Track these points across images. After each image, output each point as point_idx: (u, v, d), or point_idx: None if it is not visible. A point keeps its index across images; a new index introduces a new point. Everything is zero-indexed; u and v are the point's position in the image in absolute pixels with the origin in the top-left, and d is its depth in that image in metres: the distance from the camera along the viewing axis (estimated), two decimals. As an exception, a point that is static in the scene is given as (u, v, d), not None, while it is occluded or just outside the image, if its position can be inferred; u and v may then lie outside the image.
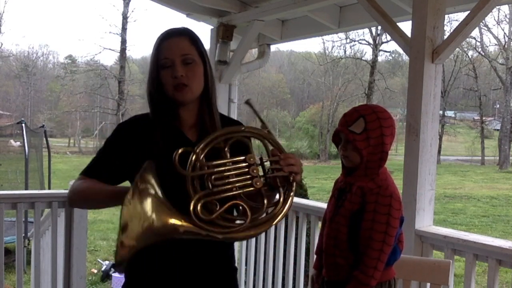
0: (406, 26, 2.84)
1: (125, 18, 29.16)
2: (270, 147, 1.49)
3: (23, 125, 8.14)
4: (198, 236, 1.37)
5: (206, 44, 4.35)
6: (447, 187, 16.95)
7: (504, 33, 29.22)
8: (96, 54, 41.80)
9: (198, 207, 1.36)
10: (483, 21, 25.06)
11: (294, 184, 1.46)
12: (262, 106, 36.63)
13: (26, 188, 7.37)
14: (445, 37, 2.63)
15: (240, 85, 4.76)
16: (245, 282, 3.76)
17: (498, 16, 28.39)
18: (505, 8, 27.39)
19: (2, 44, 33.82)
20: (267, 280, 3.54)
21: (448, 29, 15.98)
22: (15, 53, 38.36)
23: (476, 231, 9.83)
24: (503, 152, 26.56)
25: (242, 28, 4.06)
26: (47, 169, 9.12)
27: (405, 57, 27.02)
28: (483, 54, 29.81)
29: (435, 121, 2.67)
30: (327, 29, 3.88)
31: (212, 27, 4.25)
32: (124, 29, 29.17)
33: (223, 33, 4.05)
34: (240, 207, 1.41)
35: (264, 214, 1.43)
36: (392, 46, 31.49)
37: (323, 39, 31.67)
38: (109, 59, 71.05)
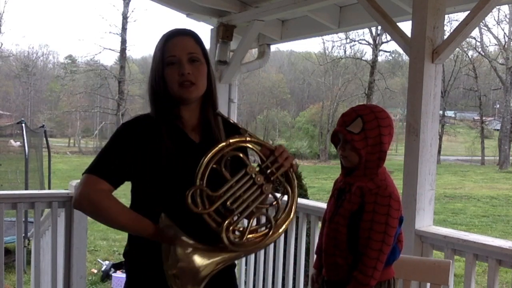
0: (406, 26, 2.84)
1: (125, 18, 29.16)
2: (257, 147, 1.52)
3: (23, 125, 8.14)
4: (237, 259, 1.49)
5: (206, 44, 4.36)
6: (447, 187, 16.95)
7: (504, 33, 29.25)
8: (96, 54, 41.87)
9: (231, 237, 1.40)
10: (483, 21, 25.06)
11: (294, 173, 1.53)
12: (262, 106, 36.67)
13: (26, 188, 7.36)
14: (445, 37, 2.63)
15: (240, 85, 4.77)
16: (245, 282, 3.76)
17: (498, 16, 28.43)
18: (505, 8, 27.42)
19: (2, 44, 33.84)
20: (267, 280, 3.54)
21: (448, 29, 16.00)
22: (15, 53, 38.40)
23: (476, 231, 9.83)
24: (503, 152, 26.56)
25: (242, 28, 4.06)
26: (47, 169, 9.11)
27: (405, 57, 27.03)
28: (483, 54, 29.80)
29: (435, 121, 2.67)
30: (327, 29, 3.89)
31: (212, 27, 4.25)
32: (124, 29, 29.17)
33: (223, 33, 4.05)
34: (261, 217, 1.47)
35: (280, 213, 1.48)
36: (392, 46, 31.53)
37: (323, 39, 31.71)
38: (109, 59, 71.09)
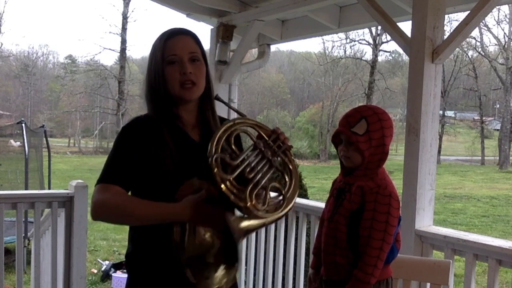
0: (406, 26, 2.85)
1: (125, 18, 29.19)
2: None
3: (23, 125, 8.13)
4: (261, 228, 1.51)
5: (206, 44, 4.36)
6: (447, 187, 16.96)
7: (504, 33, 29.26)
8: (96, 54, 41.94)
9: (255, 203, 1.42)
10: (483, 21, 25.06)
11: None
12: (262, 106, 36.66)
13: (26, 188, 7.36)
14: (445, 37, 2.63)
15: (240, 85, 4.76)
16: (245, 282, 3.76)
17: (498, 16, 28.44)
18: (505, 8, 27.43)
19: (2, 44, 33.86)
20: (267, 280, 3.54)
21: (448, 29, 16.01)
22: (15, 53, 38.42)
23: (476, 231, 9.83)
24: (503, 152, 26.56)
25: (242, 28, 4.06)
26: (47, 169, 9.11)
27: (405, 57, 27.03)
28: (483, 54, 29.80)
29: (435, 121, 2.67)
30: (327, 29, 3.89)
31: (212, 27, 4.25)
32: (124, 29, 29.20)
33: (223, 33, 4.05)
34: (275, 188, 1.49)
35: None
36: (392, 46, 31.52)
37: (323, 39, 31.70)
38: (109, 59, 71.18)
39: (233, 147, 1.46)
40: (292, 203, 1.50)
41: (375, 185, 1.82)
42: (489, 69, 31.09)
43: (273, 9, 3.67)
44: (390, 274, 1.90)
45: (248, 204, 1.40)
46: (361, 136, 1.82)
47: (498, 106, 35.97)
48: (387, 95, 31.36)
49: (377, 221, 1.77)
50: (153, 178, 1.56)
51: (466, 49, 29.41)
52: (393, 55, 34.61)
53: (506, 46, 28.42)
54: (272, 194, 1.49)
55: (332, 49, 36.31)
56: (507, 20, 28.92)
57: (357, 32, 30.28)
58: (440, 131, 26.84)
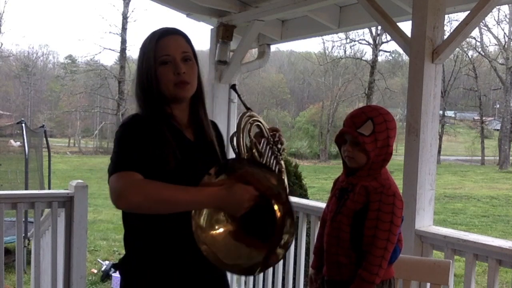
0: (406, 26, 2.84)
1: (125, 18, 29.19)
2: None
3: (23, 125, 8.13)
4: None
5: (206, 44, 4.36)
6: (447, 187, 16.95)
7: (504, 33, 29.27)
8: (96, 54, 41.96)
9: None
10: (483, 21, 25.06)
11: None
12: (262, 106, 36.64)
13: (26, 188, 7.36)
14: (445, 37, 2.63)
15: (240, 85, 4.76)
16: (245, 282, 3.76)
17: (498, 16, 28.44)
18: (505, 8, 27.43)
19: (2, 44, 33.86)
20: (267, 280, 3.54)
21: (448, 29, 16.01)
22: (15, 53, 38.45)
23: (476, 231, 9.82)
24: (503, 152, 26.56)
25: (242, 28, 4.06)
26: (47, 169, 9.10)
27: (405, 57, 27.03)
28: (483, 54, 29.81)
29: (435, 121, 2.67)
30: (327, 29, 3.88)
31: (212, 27, 4.25)
32: (124, 29, 29.20)
33: (223, 33, 4.04)
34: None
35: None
36: (392, 46, 31.53)
37: (323, 39, 31.71)
38: (109, 59, 71.11)
39: (250, 134, 1.64)
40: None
41: (379, 185, 1.82)
42: (489, 69, 31.10)
43: (273, 9, 3.67)
44: (392, 274, 1.90)
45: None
46: (367, 137, 1.82)
47: (498, 106, 35.98)
48: (387, 95, 31.37)
49: (381, 221, 1.77)
50: (156, 177, 1.50)
51: (466, 49, 29.42)
52: (393, 55, 34.66)
53: (506, 46, 28.42)
54: None
55: (332, 49, 36.37)
56: (507, 20, 28.95)
57: (357, 32, 30.33)
58: (440, 131, 26.84)
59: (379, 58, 31.77)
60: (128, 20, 29.37)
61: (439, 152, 26.67)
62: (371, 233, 1.78)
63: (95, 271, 6.53)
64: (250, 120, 1.68)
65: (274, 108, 37.71)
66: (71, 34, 66.35)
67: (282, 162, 1.70)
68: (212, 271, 1.64)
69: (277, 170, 1.66)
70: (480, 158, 30.42)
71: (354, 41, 31.04)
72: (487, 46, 30.40)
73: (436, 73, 2.64)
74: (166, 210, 1.49)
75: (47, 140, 9.47)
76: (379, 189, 1.81)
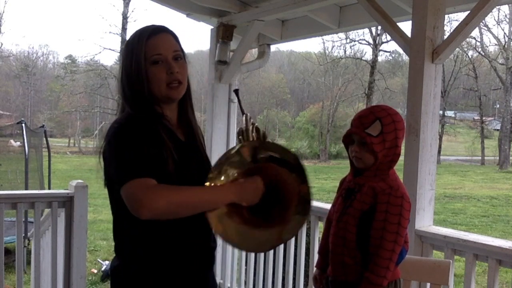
0: (406, 26, 2.84)
1: (125, 18, 29.16)
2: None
3: (23, 125, 8.12)
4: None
5: (206, 44, 4.37)
6: (447, 187, 16.95)
7: (504, 33, 29.24)
8: (96, 54, 41.81)
9: None
10: (483, 21, 25.06)
11: None
12: (262, 106, 36.65)
13: (26, 188, 7.35)
14: (445, 37, 2.63)
15: (240, 85, 4.76)
16: (245, 282, 3.76)
17: (498, 16, 28.41)
18: (505, 8, 27.41)
19: (2, 44, 33.85)
20: (267, 280, 3.54)
21: (448, 29, 15.99)
22: (15, 53, 38.43)
23: (476, 231, 9.82)
24: (503, 152, 26.55)
25: (242, 28, 4.06)
26: (47, 169, 9.10)
27: (405, 57, 27.02)
28: (483, 54, 29.79)
29: (435, 121, 2.67)
30: (327, 29, 3.88)
31: (212, 27, 4.25)
32: (124, 29, 29.15)
33: (223, 33, 4.04)
34: None
35: None
36: (392, 46, 31.50)
37: (323, 39, 31.65)
38: (109, 59, 70.94)
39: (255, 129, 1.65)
40: None
41: (387, 186, 1.81)
42: (489, 69, 31.07)
43: (273, 9, 3.67)
44: (398, 276, 1.89)
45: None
46: (375, 138, 1.80)
47: (498, 106, 35.97)
48: (387, 95, 31.33)
49: (389, 223, 1.76)
50: (157, 179, 1.45)
51: (466, 49, 29.40)
52: (393, 55, 34.63)
53: (506, 46, 28.41)
54: None
55: (332, 49, 36.30)
56: (507, 20, 28.93)
57: (357, 32, 30.28)
58: (440, 131, 26.83)
59: (379, 58, 31.78)
60: (128, 20, 29.35)
61: (439, 152, 26.66)
62: (378, 235, 1.77)
63: (95, 271, 6.53)
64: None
65: (274, 108, 37.69)
66: (71, 34, 66.40)
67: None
68: (202, 278, 1.64)
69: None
70: (480, 158, 30.41)
71: (354, 41, 31.05)
72: (487, 46, 30.42)
73: (436, 73, 2.64)
74: (188, 213, 1.47)
75: (47, 140, 9.47)
76: (387, 191, 1.79)
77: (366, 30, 29.94)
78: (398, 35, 2.75)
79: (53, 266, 3.20)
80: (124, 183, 1.41)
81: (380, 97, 30.74)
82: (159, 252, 1.54)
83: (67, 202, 3.19)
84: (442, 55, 2.59)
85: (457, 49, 15.60)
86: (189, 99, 1.66)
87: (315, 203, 3.30)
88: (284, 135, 35.29)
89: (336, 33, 20.68)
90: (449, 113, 34.85)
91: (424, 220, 2.63)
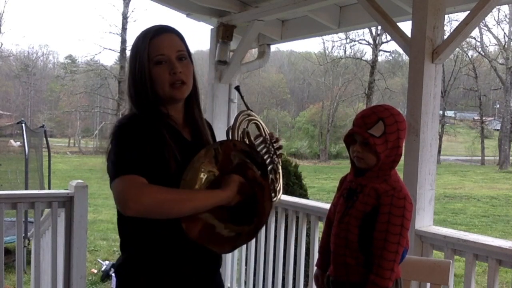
0: (406, 26, 2.84)
1: (125, 18, 29.17)
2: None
3: (23, 125, 8.12)
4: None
5: (206, 44, 4.36)
6: (447, 187, 16.95)
7: (504, 33, 29.27)
8: (96, 54, 41.91)
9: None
10: (483, 21, 25.06)
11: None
12: (262, 106, 36.65)
13: (26, 188, 7.35)
14: (445, 37, 2.63)
15: (240, 85, 4.76)
16: (245, 282, 3.76)
17: (498, 16, 28.44)
18: (505, 8, 27.44)
19: (2, 44, 33.85)
20: (267, 280, 3.54)
21: (448, 29, 16.00)
22: (15, 53, 38.46)
23: (476, 231, 9.82)
24: (503, 152, 26.56)
25: (242, 28, 4.06)
26: (47, 169, 9.09)
27: (405, 57, 27.03)
28: (483, 54, 29.81)
29: (435, 121, 2.67)
30: (327, 29, 3.88)
31: (212, 27, 4.25)
32: (124, 29, 29.17)
33: (223, 33, 4.04)
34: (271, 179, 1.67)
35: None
36: (392, 46, 31.53)
37: (323, 39, 31.70)
38: (109, 59, 71.08)
39: (250, 136, 1.64)
40: (279, 196, 1.72)
41: (390, 187, 1.80)
42: (489, 69, 31.09)
43: (273, 9, 3.67)
44: (399, 275, 1.89)
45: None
46: (378, 138, 1.78)
47: (498, 106, 35.98)
48: (387, 95, 31.34)
49: (392, 225, 1.75)
50: (157, 179, 1.46)
51: (466, 49, 29.41)
52: (393, 55, 34.65)
53: (506, 46, 28.42)
54: None
55: (332, 49, 36.35)
56: (507, 20, 28.94)
57: (357, 32, 30.32)
58: (440, 131, 26.84)
59: (379, 58, 31.80)
60: (128, 20, 29.36)
61: (439, 152, 26.67)
62: (382, 237, 1.76)
63: (95, 271, 6.52)
64: (248, 117, 1.70)
65: (274, 108, 37.71)
66: (71, 34, 66.38)
67: (277, 160, 1.72)
68: (207, 276, 1.64)
69: (270, 169, 1.67)
70: (480, 158, 30.41)
71: (354, 41, 31.08)
72: (487, 46, 30.45)
73: (436, 73, 2.64)
74: (173, 214, 1.46)
75: (47, 140, 9.46)
76: (390, 192, 1.78)
77: (366, 30, 30.01)
78: (398, 35, 2.75)
79: (53, 266, 3.20)
80: (114, 178, 1.43)
81: (380, 97, 30.75)
82: (165, 248, 1.54)
83: (67, 202, 3.19)
84: (442, 55, 2.59)
85: (457, 49, 15.60)
86: (196, 98, 1.66)
87: (315, 203, 3.32)
88: (284, 135, 35.27)
89: (336, 33, 20.68)
90: (449, 113, 34.87)
91: (424, 220, 2.63)
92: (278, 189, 1.71)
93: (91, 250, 7.58)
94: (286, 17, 4.10)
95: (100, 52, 45.04)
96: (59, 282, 3.22)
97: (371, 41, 30.36)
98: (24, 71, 37.02)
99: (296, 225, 3.35)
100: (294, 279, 3.34)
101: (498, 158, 27.53)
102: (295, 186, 4.82)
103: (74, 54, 37.60)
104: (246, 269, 3.75)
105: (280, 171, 1.75)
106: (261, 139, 1.69)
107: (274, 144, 1.71)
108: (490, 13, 15.81)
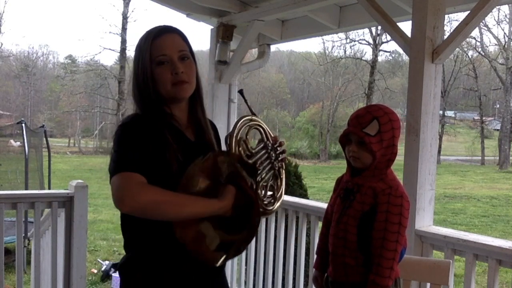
0: (406, 26, 2.84)
1: (125, 18, 29.17)
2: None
3: (23, 125, 8.12)
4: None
5: (206, 44, 4.36)
6: (447, 187, 16.95)
7: (504, 33, 29.27)
8: (96, 54, 41.96)
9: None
10: (483, 21, 25.06)
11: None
12: (262, 106, 36.66)
13: (26, 188, 7.35)
14: (445, 37, 2.63)
15: (240, 85, 4.76)
16: (245, 282, 3.76)
17: (498, 16, 28.45)
18: (505, 8, 27.45)
19: (2, 44, 33.86)
20: (267, 280, 3.54)
21: (448, 29, 16.01)
22: (15, 53, 38.46)
23: (476, 231, 9.82)
24: (503, 152, 26.56)
25: (242, 28, 4.06)
26: (47, 169, 9.09)
27: (405, 57, 27.03)
28: (483, 54, 29.81)
29: (435, 121, 2.67)
30: (327, 29, 3.88)
31: (212, 27, 4.25)
32: (124, 29, 29.18)
33: (223, 33, 4.04)
34: (271, 186, 1.68)
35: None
36: (392, 46, 31.53)
37: (323, 39, 31.71)
38: (109, 59, 71.10)
39: (247, 143, 1.60)
40: (279, 203, 1.70)
41: (386, 186, 1.80)
42: (489, 69, 31.10)
43: (273, 9, 3.67)
44: (398, 274, 1.89)
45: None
46: (373, 137, 1.79)
47: (498, 106, 35.98)
48: (387, 95, 31.35)
49: (390, 223, 1.76)
50: (158, 179, 1.46)
51: (466, 49, 29.42)
52: (393, 55, 34.65)
53: (506, 46, 28.42)
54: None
55: (332, 49, 36.38)
56: (507, 20, 28.95)
57: (357, 32, 30.33)
58: (440, 131, 26.85)
59: (379, 58, 31.81)
60: (128, 20, 29.37)
61: (439, 152, 26.68)
62: (380, 236, 1.76)
63: (95, 271, 6.53)
64: (250, 123, 1.66)
65: (274, 108, 37.71)
66: (71, 34, 66.41)
67: (279, 166, 1.68)
68: (210, 276, 1.65)
69: (271, 175, 1.66)
70: (480, 158, 30.42)
71: (354, 41, 31.08)
72: (487, 46, 30.46)
73: (436, 73, 2.64)
74: (167, 216, 1.46)
75: (47, 140, 9.46)
76: (387, 191, 1.79)
77: (366, 30, 30.02)
78: (398, 35, 2.75)
79: (53, 266, 3.20)
80: (113, 174, 1.44)
81: (380, 97, 30.75)
82: (169, 248, 1.53)
83: (67, 202, 3.19)
84: (442, 55, 2.59)
85: (457, 49, 15.60)
86: (199, 98, 1.67)
87: (315, 203, 3.32)
88: (284, 135, 35.27)
89: (336, 33, 20.69)
90: (449, 113, 34.88)
91: (424, 220, 2.63)
92: (278, 195, 1.68)
93: (91, 250, 7.59)
94: (286, 17, 4.10)
95: (100, 52, 45.06)
96: (59, 282, 3.22)
97: (371, 41, 30.39)
98: (24, 71, 37.03)
99: (296, 225, 3.35)
100: (294, 279, 3.34)
101: (498, 158, 27.53)
102: (295, 186, 4.83)
103: (74, 54, 37.69)
104: (246, 269, 3.75)
105: (283, 176, 1.71)
106: (262, 145, 1.65)
107: (278, 149, 1.68)
108: (490, 13, 15.82)
